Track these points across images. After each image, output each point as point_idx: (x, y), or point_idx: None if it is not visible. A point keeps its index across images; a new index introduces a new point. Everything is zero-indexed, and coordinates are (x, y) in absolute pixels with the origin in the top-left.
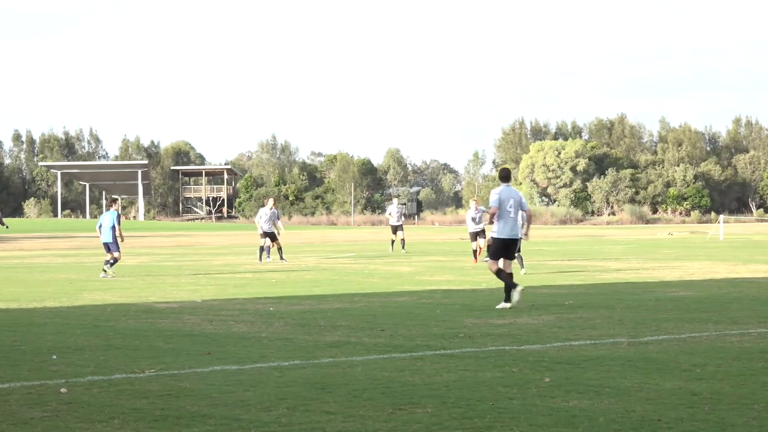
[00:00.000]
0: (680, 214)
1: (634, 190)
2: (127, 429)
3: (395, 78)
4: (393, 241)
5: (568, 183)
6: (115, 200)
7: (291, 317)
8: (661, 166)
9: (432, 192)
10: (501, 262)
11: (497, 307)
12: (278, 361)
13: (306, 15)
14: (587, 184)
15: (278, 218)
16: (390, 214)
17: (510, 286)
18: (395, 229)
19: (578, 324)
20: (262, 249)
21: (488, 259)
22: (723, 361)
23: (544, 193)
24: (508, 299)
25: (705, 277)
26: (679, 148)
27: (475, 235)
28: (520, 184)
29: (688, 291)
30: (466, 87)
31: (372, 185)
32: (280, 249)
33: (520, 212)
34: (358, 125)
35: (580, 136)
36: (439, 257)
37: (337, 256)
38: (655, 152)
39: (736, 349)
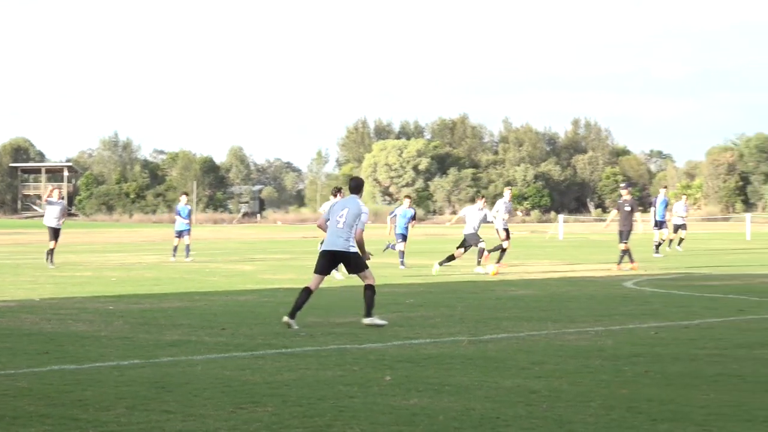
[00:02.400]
0: (520, 213)
1: (475, 189)
2: None
3: (237, 76)
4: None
5: (410, 182)
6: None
7: (131, 316)
8: (502, 165)
9: (275, 190)
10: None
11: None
12: (117, 360)
13: (145, 12)
14: (429, 183)
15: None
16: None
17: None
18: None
19: (419, 323)
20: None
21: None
22: (561, 359)
23: (386, 192)
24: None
25: (544, 276)
26: (520, 148)
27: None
28: None
29: (527, 290)
30: (308, 85)
31: (214, 183)
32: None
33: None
34: (200, 123)
35: (423, 136)
36: (282, 255)
37: (179, 255)
38: (497, 152)
39: (574, 347)
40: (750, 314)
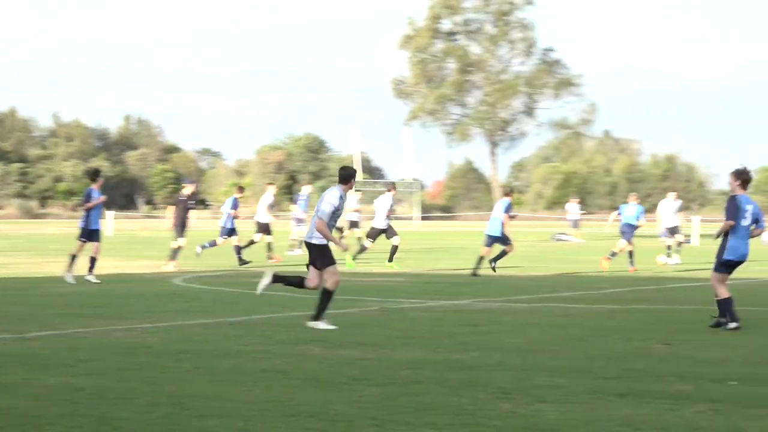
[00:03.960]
0: (69, 209)
1: (23, 184)
2: None
3: None
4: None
5: None
6: None
7: None
8: (51, 160)
9: None
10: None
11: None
12: None
13: None
14: None
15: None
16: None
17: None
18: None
19: None
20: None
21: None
22: (107, 356)
23: None
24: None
25: (96, 272)
26: (70, 144)
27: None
28: None
29: (78, 287)
30: None
31: None
32: None
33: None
34: None
35: None
36: None
37: None
38: (46, 147)
39: (121, 344)
40: (294, 311)
